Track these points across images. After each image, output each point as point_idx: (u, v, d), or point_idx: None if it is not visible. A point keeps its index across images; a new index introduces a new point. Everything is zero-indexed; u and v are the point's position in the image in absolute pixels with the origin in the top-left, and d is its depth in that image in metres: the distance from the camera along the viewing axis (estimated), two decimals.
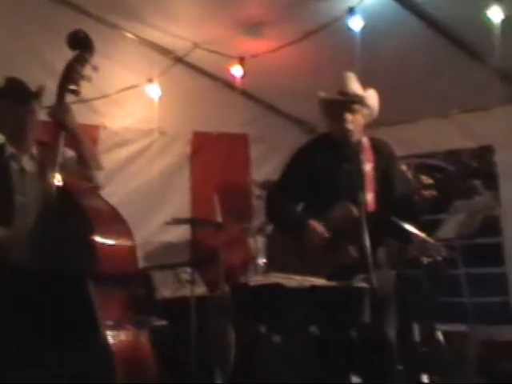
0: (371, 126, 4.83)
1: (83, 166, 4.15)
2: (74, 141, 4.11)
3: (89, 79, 4.09)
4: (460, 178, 4.41)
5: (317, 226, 4.50)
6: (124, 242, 4.12)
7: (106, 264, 3.90)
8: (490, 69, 5.92)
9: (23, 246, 3.85)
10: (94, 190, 4.23)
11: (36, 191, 4.06)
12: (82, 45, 4.06)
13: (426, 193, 4.34)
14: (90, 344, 3.65)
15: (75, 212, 3.96)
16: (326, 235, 4.48)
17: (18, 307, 3.70)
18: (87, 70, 4.11)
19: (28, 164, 4.21)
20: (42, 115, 4.25)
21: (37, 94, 4.13)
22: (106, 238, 3.97)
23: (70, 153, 4.16)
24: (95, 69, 4.10)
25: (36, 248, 3.83)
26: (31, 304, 3.64)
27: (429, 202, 4.37)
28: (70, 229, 3.93)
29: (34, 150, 4.23)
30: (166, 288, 6.45)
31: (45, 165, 4.07)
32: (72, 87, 4.03)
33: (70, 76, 4.04)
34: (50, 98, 4.15)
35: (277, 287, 3.58)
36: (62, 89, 4.05)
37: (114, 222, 4.13)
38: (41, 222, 3.88)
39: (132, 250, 4.16)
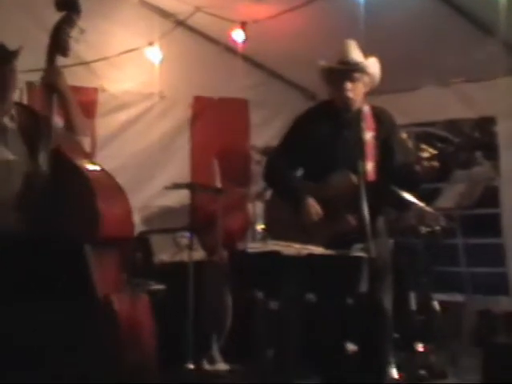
0: (373, 93, 4.81)
1: (72, 130, 4.11)
2: (65, 104, 4.08)
3: (76, 41, 4.07)
4: (462, 149, 4.40)
5: (312, 205, 4.49)
6: (121, 206, 4.11)
7: (103, 228, 3.90)
8: (495, 39, 5.86)
9: (7, 206, 3.85)
10: (87, 155, 4.21)
11: (19, 151, 4.02)
12: (69, 6, 4.03)
13: (428, 164, 4.32)
14: (87, 309, 3.64)
15: (72, 176, 3.95)
16: (319, 216, 4.47)
17: (7, 272, 3.68)
18: (75, 32, 4.08)
19: (8, 126, 4.17)
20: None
21: (16, 54, 4.08)
22: (104, 201, 3.96)
23: (56, 118, 4.12)
24: (82, 31, 4.06)
25: (25, 209, 3.82)
26: (22, 268, 3.62)
27: (430, 172, 4.36)
28: (65, 193, 3.92)
29: (14, 112, 4.18)
30: (164, 252, 6.45)
31: (28, 128, 4.04)
32: (61, 49, 4.01)
33: (59, 38, 4.01)
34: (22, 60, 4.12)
35: (275, 255, 3.57)
36: (52, 51, 4.02)
37: (110, 185, 4.12)
38: (35, 189, 3.87)
39: (128, 214, 4.14)
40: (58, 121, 4.10)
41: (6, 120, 4.12)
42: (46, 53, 4.03)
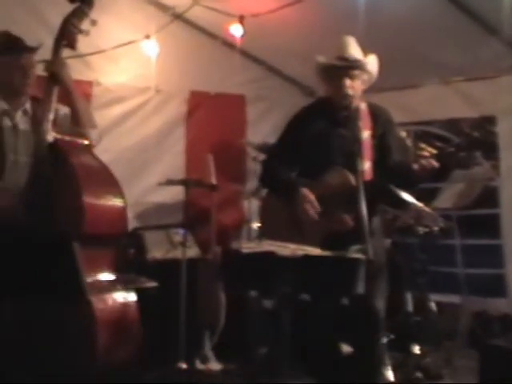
0: (371, 90, 4.74)
1: (77, 122, 4.11)
2: (69, 96, 4.08)
3: (86, 33, 4.05)
4: (462, 149, 4.33)
5: (308, 197, 4.43)
6: (113, 203, 4.05)
7: (94, 224, 3.85)
8: (498, 38, 5.80)
9: (15, 204, 3.80)
10: (87, 147, 4.16)
11: (29, 148, 4.01)
12: None
13: (426, 162, 4.25)
14: (74, 306, 3.59)
15: (63, 170, 3.90)
16: (317, 207, 4.41)
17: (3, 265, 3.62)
18: (85, 24, 4.06)
19: (21, 120, 4.17)
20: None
21: (35, 49, 4.07)
22: (95, 197, 3.91)
23: (64, 110, 4.10)
24: (94, 23, 4.06)
25: (29, 206, 3.81)
26: (17, 263, 3.56)
27: (428, 171, 4.29)
28: (58, 187, 3.87)
29: (28, 106, 4.15)
30: (157, 249, 6.38)
31: (38, 120, 4.00)
32: (69, 41, 3.99)
33: (68, 29, 3.99)
34: (46, 52, 4.11)
35: (269, 255, 3.51)
36: (59, 42, 4.02)
37: (105, 181, 4.07)
38: (33, 179, 3.83)
39: (121, 211, 4.10)
40: (67, 112, 4.09)
41: (18, 116, 4.09)
42: (53, 43, 4.00)
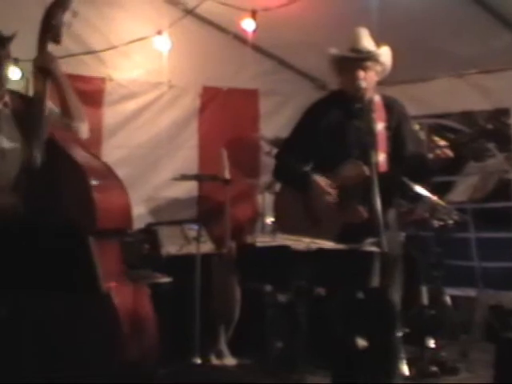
0: (385, 83, 4.72)
1: (67, 116, 4.07)
2: (60, 90, 4.03)
3: (68, 26, 4.00)
4: (475, 139, 4.30)
5: (322, 181, 4.41)
6: (118, 194, 4.05)
7: (104, 217, 3.84)
8: (510, 30, 5.76)
9: (5, 192, 3.80)
10: (80, 140, 4.15)
11: (13, 137, 3.96)
12: None
13: (441, 152, 4.23)
14: (91, 299, 3.58)
15: (65, 164, 3.89)
16: (332, 190, 4.39)
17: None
18: (67, 17, 4.01)
19: (3, 112, 4.10)
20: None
21: (9, 39, 4.01)
22: (102, 190, 3.90)
23: (49, 105, 4.05)
24: (75, 14, 4.00)
25: (23, 200, 3.77)
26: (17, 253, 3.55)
27: (442, 162, 4.27)
28: (61, 182, 3.86)
29: (7, 99, 4.11)
30: (171, 244, 6.38)
31: (22, 114, 3.98)
32: (53, 34, 3.95)
33: (51, 23, 3.95)
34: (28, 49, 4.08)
35: (284, 249, 3.49)
36: (44, 36, 3.98)
37: (106, 173, 4.07)
38: (29, 173, 3.80)
39: (123, 203, 4.07)
40: (53, 107, 4.06)
41: (0, 107, 4.06)
42: (37, 39, 3.98)
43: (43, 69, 3.95)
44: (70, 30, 4.02)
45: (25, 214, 3.74)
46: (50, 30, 3.95)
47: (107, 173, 4.06)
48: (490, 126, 7.02)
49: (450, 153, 4.26)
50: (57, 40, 3.98)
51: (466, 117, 7.18)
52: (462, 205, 6.31)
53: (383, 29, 4.64)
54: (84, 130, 4.16)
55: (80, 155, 3.97)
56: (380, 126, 4.46)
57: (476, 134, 4.50)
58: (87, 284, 3.28)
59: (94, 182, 3.84)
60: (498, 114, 6.99)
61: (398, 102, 4.71)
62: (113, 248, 4.01)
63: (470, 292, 6.77)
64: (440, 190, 5.94)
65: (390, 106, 4.59)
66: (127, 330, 3.81)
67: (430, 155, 4.28)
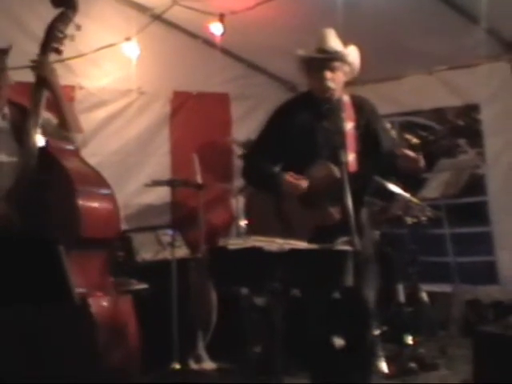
0: (356, 82, 4.74)
1: (64, 127, 4.09)
2: (57, 101, 4.06)
3: (72, 38, 4.06)
4: (445, 137, 4.33)
5: (292, 177, 4.40)
6: (107, 205, 4.06)
7: (91, 227, 3.85)
8: (477, 26, 5.80)
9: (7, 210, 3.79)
10: (76, 151, 4.16)
11: (11, 151, 3.97)
12: (65, 3, 4.02)
13: (410, 154, 4.24)
14: (64, 310, 3.57)
15: (57, 175, 3.91)
16: (304, 185, 4.39)
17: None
18: (70, 29, 4.06)
19: (1, 125, 4.11)
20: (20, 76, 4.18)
21: (6, 51, 4.03)
22: (90, 200, 3.91)
23: (46, 114, 4.07)
24: (79, 28, 4.09)
25: (15, 210, 3.79)
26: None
27: (412, 164, 4.29)
28: (51, 192, 3.87)
29: (6, 110, 4.12)
30: (146, 250, 6.38)
31: (20, 125, 3.99)
32: (55, 45, 3.99)
33: (54, 34, 4.00)
34: (24, 58, 4.09)
35: (256, 251, 3.49)
36: (46, 47, 4.02)
37: (97, 184, 4.07)
38: (21, 183, 3.81)
39: (114, 214, 4.09)
40: (51, 117, 4.07)
41: None
42: (40, 48, 4.02)
43: (43, 79, 3.96)
44: (72, 41, 4.12)
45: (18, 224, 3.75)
46: (53, 41, 3.99)
47: (98, 182, 4.07)
48: (460, 122, 7.06)
49: (420, 154, 4.27)
50: (58, 51, 4.02)
51: (437, 113, 7.22)
52: (435, 201, 6.34)
53: (351, 29, 4.65)
54: (81, 140, 4.18)
55: (72, 165, 3.98)
56: (349, 126, 4.47)
57: (446, 131, 4.52)
58: (59, 295, 3.27)
59: (81, 191, 3.87)
60: (469, 109, 7.03)
61: (367, 100, 4.71)
62: (98, 257, 4.02)
63: (447, 288, 6.80)
64: (412, 187, 5.96)
65: (359, 105, 4.60)
66: (108, 339, 3.80)
67: (399, 152, 4.29)
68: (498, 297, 6.64)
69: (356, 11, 5.60)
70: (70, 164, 3.99)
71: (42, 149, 3.91)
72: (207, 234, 6.20)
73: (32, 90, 4.03)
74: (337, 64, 4.43)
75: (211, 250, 4.92)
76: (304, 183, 4.40)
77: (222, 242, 4.09)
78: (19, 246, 3.33)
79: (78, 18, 6.23)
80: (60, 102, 4.08)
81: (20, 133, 3.99)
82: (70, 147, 4.11)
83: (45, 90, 3.98)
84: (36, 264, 3.27)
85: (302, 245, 3.60)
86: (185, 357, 5.85)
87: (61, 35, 4.03)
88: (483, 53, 6.14)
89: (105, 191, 4.09)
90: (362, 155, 4.45)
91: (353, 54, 4.50)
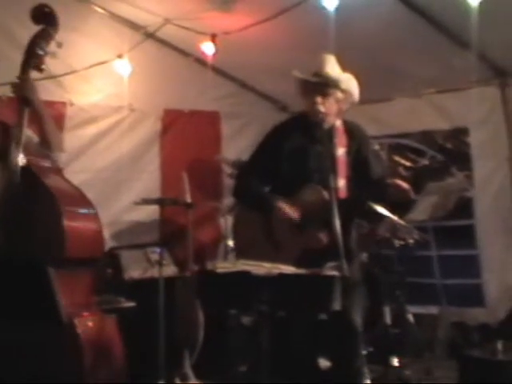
0: None
1: (46, 145, 4.06)
2: (38, 119, 4.02)
3: (53, 55, 4.02)
4: (435, 161, 4.37)
5: (286, 206, 4.44)
6: (92, 224, 4.05)
7: (75, 247, 3.84)
8: (467, 50, 5.85)
9: None
10: (58, 170, 4.14)
11: None
12: (46, 20, 4.00)
13: (400, 184, 4.29)
14: (51, 330, 3.57)
15: (41, 194, 3.89)
16: (296, 216, 4.42)
17: None
18: (52, 46, 4.03)
19: None
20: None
21: None
22: (74, 220, 3.90)
23: (29, 133, 4.05)
24: (60, 45, 4.04)
25: (6, 232, 3.77)
26: None
27: (401, 192, 4.34)
28: (34, 211, 3.85)
29: None
30: (134, 268, 6.37)
31: (4, 144, 3.96)
32: (36, 63, 3.96)
33: (34, 51, 3.97)
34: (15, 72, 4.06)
35: (244, 274, 3.51)
36: (26, 64, 3.98)
37: (81, 203, 4.06)
38: (4, 202, 3.79)
39: (99, 232, 4.09)
40: (33, 135, 4.04)
41: None
42: (20, 66, 3.98)
43: (23, 97, 3.93)
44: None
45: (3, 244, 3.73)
46: (34, 58, 3.96)
47: (82, 202, 4.06)
48: (449, 146, 7.10)
49: (407, 187, 4.31)
50: (40, 68, 3.99)
51: (426, 136, 7.26)
52: (423, 223, 6.37)
53: (342, 50, 4.68)
54: (61, 159, 4.16)
55: (55, 183, 3.98)
56: (341, 152, 4.51)
57: (437, 156, 4.56)
58: (48, 314, 3.28)
59: (65, 210, 3.85)
60: (457, 133, 7.08)
61: (359, 126, 4.76)
62: (84, 277, 4.01)
63: (433, 309, 6.82)
64: (400, 209, 5.99)
65: (351, 131, 4.64)
66: (93, 359, 3.80)
67: (390, 181, 4.33)
68: (485, 319, 6.66)
69: (347, 32, 5.62)
70: (53, 183, 3.98)
71: (24, 168, 3.88)
72: (195, 252, 6.18)
73: (15, 108, 4.01)
74: (330, 90, 4.47)
75: (200, 273, 4.93)
76: (297, 214, 4.43)
77: (210, 266, 4.09)
78: (7, 267, 3.35)
79: (71, 35, 6.32)
80: (42, 120, 4.04)
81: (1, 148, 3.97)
82: (52, 165, 4.09)
83: (27, 108, 3.94)
84: (25, 284, 3.29)
85: (290, 269, 3.62)
86: (171, 375, 5.82)
87: (41, 52, 3.98)
88: (473, 77, 6.18)
89: (88, 210, 4.07)
90: (352, 181, 4.48)
91: (347, 81, 4.54)
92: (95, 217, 4.09)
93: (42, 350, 3.69)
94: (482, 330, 6.58)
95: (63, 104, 6.60)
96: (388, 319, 6.04)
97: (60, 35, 6.15)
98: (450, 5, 5.39)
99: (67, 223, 3.82)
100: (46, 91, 6.22)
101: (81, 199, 4.08)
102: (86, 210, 4.07)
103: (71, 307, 3.76)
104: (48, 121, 4.09)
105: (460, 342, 6.52)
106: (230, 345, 6.01)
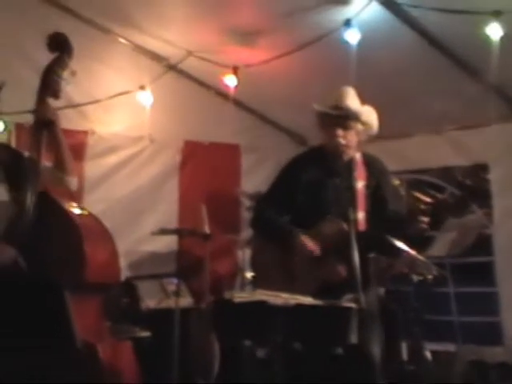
0: (365, 139, 4.76)
1: (61, 169, 4.07)
2: (56, 143, 4.03)
3: (68, 82, 4.04)
4: (455, 198, 4.37)
5: (308, 240, 4.43)
6: (109, 250, 4.06)
7: (95, 272, 3.84)
8: (487, 86, 5.86)
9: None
10: (73, 195, 4.17)
11: (1, 193, 3.96)
12: (61, 47, 4.02)
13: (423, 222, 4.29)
14: (66, 354, 3.56)
15: (59, 219, 3.90)
16: (318, 250, 4.42)
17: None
18: (66, 74, 4.06)
19: None
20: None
21: None
22: (94, 245, 3.91)
23: (44, 161, 4.06)
24: (74, 73, 4.05)
25: (27, 257, 3.75)
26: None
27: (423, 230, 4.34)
28: (52, 235, 3.86)
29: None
30: (151, 298, 6.37)
31: (9, 166, 3.97)
32: (53, 90, 3.98)
33: (50, 79, 3.99)
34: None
35: (261, 304, 3.50)
36: (42, 93, 3.99)
37: (98, 228, 4.07)
38: (22, 226, 3.79)
39: (114, 260, 4.09)
40: (45, 162, 4.06)
41: None
42: (36, 94, 4.00)
43: (45, 121, 3.95)
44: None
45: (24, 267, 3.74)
46: (50, 84, 3.98)
47: (99, 228, 4.07)
48: (468, 182, 7.08)
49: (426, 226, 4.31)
50: (57, 95, 4.02)
51: (445, 172, 7.23)
52: (441, 259, 6.33)
53: (362, 84, 4.70)
54: (74, 184, 4.18)
55: (73, 209, 3.99)
56: (360, 185, 4.51)
57: (456, 192, 4.56)
58: (62, 339, 3.27)
59: (86, 236, 3.85)
60: (477, 169, 7.05)
61: (379, 160, 4.77)
62: (98, 302, 4.01)
63: (450, 347, 6.76)
64: (419, 245, 5.96)
65: (371, 164, 4.65)
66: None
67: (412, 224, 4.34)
68: (503, 358, 6.59)
69: (368, 67, 5.65)
70: (71, 208, 3.99)
71: (41, 193, 3.89)
72: (212, 284, 6.18)
73: (32, 133, 4.04)
74: (351, 123, 4.49)
75: (216, 302, 4.92)
76: (318, 248, 4.43)
77: (227, 295, 4.09)
78: (26, 289, 3.35)
79: (94, 65, 6.39)
80: (59, 144, 4.06)
81: (10, 174, 3.96)
82: (67, 190, 4.12)
83: (45, 132, 3.96)
84: (41, 307, 3.28)
85: (307, 300, 3.61)
86: None
87: (57, 79, 4.01)
88: (493, 113, 6.18)
89: (105, 234, 4.07)
90: (372, 214, 4.48)
91: (368, 113, 4.55)
92: (112, 242, 4.09)
93: (54, 374, 3.67)
94: (500, 369, 6.51)
95: (85, 133, 6.67)
96: (404, 355, 6.00)
97: (84, 65, 6.26)
98: (470, 40, 5.41)
99: (85, 248, 3.82)
100: (67, 120, 6.29)
101: (98, 224, 4.09)
102: (103, 234, 4.08)
103: (85, 333, 3.75)
104: (65, 145, 4.11)
105: (477, 381, 6.45)
106: (244, 377, 5.98)
